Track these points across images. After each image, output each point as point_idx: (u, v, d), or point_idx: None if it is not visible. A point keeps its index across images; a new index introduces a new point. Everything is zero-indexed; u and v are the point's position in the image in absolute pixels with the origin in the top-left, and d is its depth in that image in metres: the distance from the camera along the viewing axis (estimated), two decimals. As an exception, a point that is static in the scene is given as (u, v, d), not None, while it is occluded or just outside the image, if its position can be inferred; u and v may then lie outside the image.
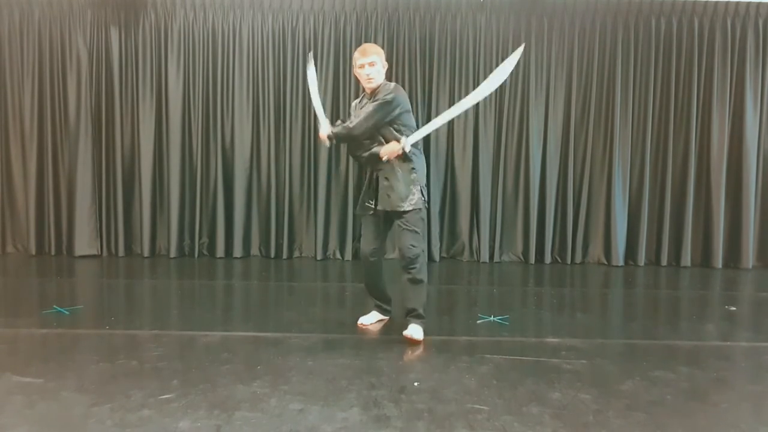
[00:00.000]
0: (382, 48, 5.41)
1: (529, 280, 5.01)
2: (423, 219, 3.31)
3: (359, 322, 3.51)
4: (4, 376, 2.61)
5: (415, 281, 3.24)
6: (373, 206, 3.31)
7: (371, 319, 3.54)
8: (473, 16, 5.55)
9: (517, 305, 4.16)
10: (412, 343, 3.17)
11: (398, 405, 2.39)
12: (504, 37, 5.56)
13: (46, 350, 3.00)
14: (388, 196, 3.22)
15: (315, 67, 3.79)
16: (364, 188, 3.39)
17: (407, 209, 3.20)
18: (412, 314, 3.27)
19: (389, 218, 3.34)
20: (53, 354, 2.92)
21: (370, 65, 3.20)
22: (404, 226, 3.21)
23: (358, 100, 3.43)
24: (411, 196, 3.20)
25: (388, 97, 3.15)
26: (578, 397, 2.50)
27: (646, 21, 5.51)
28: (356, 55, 3.26)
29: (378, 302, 3.57)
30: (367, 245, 3.41)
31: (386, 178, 3.22)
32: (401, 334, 3.22)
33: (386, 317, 3.58)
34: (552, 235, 5.65)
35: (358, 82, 5.44)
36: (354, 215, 5.45)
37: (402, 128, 3.20)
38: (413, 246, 3.20)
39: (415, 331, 3.21)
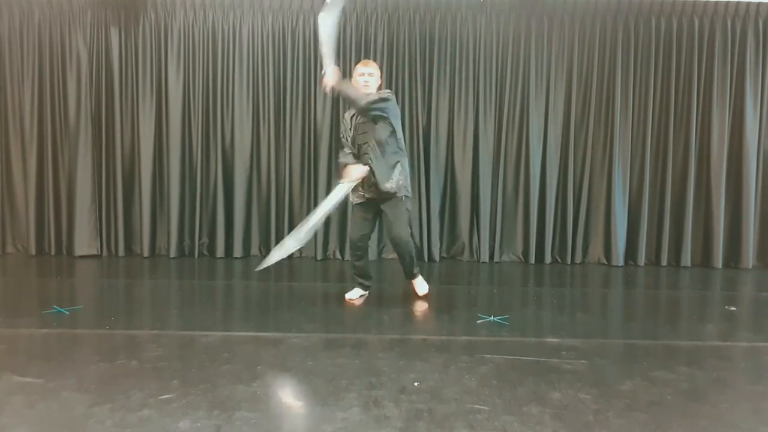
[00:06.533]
0: (382, 48, 5.52)
1: (529, 280, 5.01)
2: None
3: (347, 297, 4.05)
4: (4, 376, 2.61)
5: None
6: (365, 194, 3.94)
7: (356, 294, 4.08)
8: (473, 16, 5.55)
9: (517, 305, 4.15)
10: (424, 295, 4.08)
11: (398, 405, 2.39)
12: (504, 37, 5.56)
13: (46, 350, 3.00)
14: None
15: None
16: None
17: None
18: (413, 276, 4.10)
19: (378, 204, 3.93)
20: (53, 354, 2.92)
21: (369, 75, 3.84)
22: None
23: (350, 112, 3.91)
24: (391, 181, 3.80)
25: (386, 94, 3.76)
26: (578, 397, 2.50)
27: (646, 21, 5.51)
28: (359, 66, 3.93)
29: (365, 281, 4.11)
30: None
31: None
32: (402, 331, 3.26)
33: (366, 292, 4.14)
34: (552, 235, 5.65)
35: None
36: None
37: (393, 129, 3.77)
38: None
39: (422, 286, 4.13)
